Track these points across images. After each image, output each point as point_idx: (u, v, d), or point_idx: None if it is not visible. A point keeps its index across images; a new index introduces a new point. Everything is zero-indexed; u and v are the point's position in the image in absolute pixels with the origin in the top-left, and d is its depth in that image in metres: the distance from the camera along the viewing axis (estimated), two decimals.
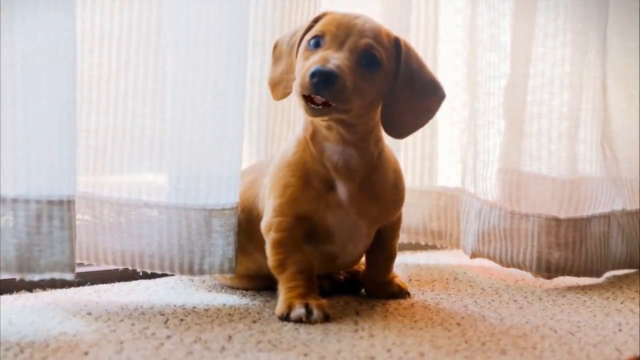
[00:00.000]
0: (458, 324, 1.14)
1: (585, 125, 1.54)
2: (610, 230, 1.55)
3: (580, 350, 1.02)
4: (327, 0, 1.54)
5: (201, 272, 1.24)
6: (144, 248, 1.23)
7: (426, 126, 1.34)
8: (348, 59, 1.10)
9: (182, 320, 1.11)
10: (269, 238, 1.19)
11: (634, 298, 1.37)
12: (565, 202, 1.51)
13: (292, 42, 1.20)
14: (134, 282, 1.36)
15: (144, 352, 0.95)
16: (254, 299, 1.27)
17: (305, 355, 0.95)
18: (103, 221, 1.23)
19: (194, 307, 1.20)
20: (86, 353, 0.94)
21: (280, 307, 1.14)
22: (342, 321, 1.13)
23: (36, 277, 1.06)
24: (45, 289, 1.28)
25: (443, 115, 1.66)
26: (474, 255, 1.56)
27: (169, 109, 1.23)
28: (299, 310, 1.11)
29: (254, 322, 1.12)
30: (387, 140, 1.23)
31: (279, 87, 1.21)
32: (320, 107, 1.08)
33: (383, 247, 1.29)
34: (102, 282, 1.35)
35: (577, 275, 1.50)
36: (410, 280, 1.46)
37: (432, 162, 1.67)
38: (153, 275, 1.34)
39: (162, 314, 1.14)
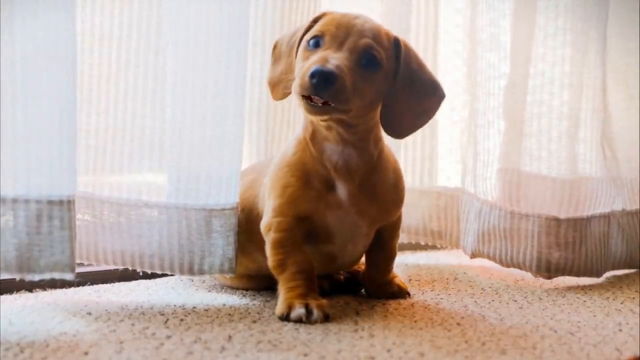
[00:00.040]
0: (458, 324, 1.14)
1: (585, 125, 1.54)
2: (610, 230, 1.55)
3: (580, 350, 1.02)
4: (327, 0, 1.54)
5: (201, 272, 1.24)
6: (144, 248, 1.23)
7: (426, 126, 1.34)
8: (347, 59, 1.10)
9: (182, 320, 1.11)
10: (268, 238, 1.19)
11: (634, 298, 1.37)
12: (565, 202, 1.51)
13: (292, 42, 1.20)
14: (134, 282, 1.36)
15: (144, 352, 0.95)
16: (254, 299, 1.27)
17: (305, 355, 0.95)
18: (103, 221, 1.23)
19: (194, 307, 1.20)
20: (86, 353, 0.94)
21: (280, 307, 1.14)
22: (342, 321, 1.13)
23: (36, 277, 1.06)
24: (45, 289, 1.28)
25: (443, 115, 1.66)
26: (474, 255, 1.56)
27: (169, 109, 1.23)
28: (299, 310, 1.11)
29: (254, 322, 1.12)
30: (387, 140, 1.23)
31: (278, 87, 1.21)
32: (320, 105, 1.08)
33: (383, 247, 1.29)
34: (102, 282, 1.35)
35: (577, 275, 1.50)
36: (410, 280, 1.46)
37: (432, 162, 1.67)
38: (153, 275, 1.34)
39: (162, 314, 1.14)
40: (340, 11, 1.18)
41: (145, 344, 0.99)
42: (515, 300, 1.32)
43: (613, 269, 1.60)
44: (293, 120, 1.50)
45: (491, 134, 1.53)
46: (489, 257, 1.54)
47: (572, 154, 1.52)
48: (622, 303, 1.33)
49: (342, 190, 1.18)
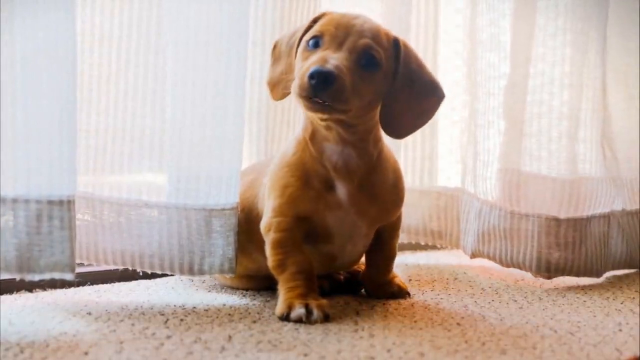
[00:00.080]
0: (458, 324, 1.14)
1: (585, 125, 1.54)
2: (610, 230, 1.55)
3: (580, 350, 1.02)
4: (327, 0, 1.54)
5: (201, 272, 1.24)
6: (144, 248, 1.23)
7: (426, 126, 1.34)
8: (347, 59, 1.10)
9: (182, 320, 1.11)
10: (268, 238, 1.19)
11: (634, 298, 1.37)
12: (565, 202, 1.51)
13: (291, 43, 1.20)
14: (134, 282, 1.36)
15: (144, 352, 0.95)
16: (254, 299, 1.27)
17: (305, 355, 0.95)
18: (103, 221, 1.23)
19: (194, 307, 1.20)
20: (86, 353, 0.94)
21: (280, 307, 1.14)
22: (342, 321, 1.13)
23: (36, 277, 1.06)
24: (45, 289, 1.28)
25: (443, 115, 1.66)
26: (474, 255, 1.56)
27: (169, 109, 1.23)
28: (299, 310, 1.11)
29: (254, 322, 1.12)
30: (387, 140, 1.23)
31: (278, 88, 1.21)
32: (320, 102, 1.08)
33: (383, 247, 1.29)
34: (102, 282, 1.35)
35: (577, 275, 1.50)
36: (410, 280, 1.46)
37: (432, 162, 1.67)
38: (153, 275, 1.34)
39: (162, 314, 1.14)
40: (340, 11, 1.18)
41: (145, 344, 0.99)
42: (515, 300, 1.32)
43: (613, 269, 1.60)
44: (293, 120, 1.50)
45: (491, 134, 1.53)
46: (489, 257, 1.54)
47: (572, 154, 1.52)
48: (622, 303, 1.33)
49: (341, 190, 1.18)
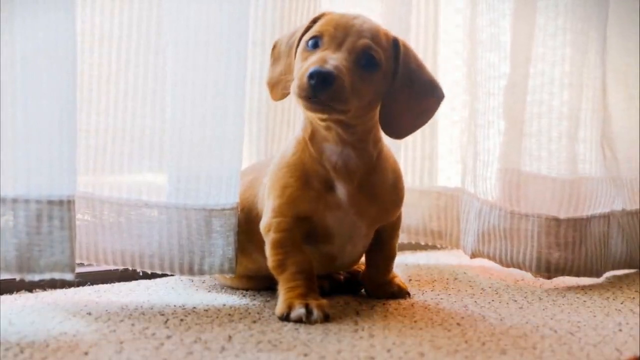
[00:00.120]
0: (458, 324, 1.14)
1: (585, 125, 1.54)
2: (610, 230, 1.55)
3: (580, 350, 1.02)
4: (327, 0, 1.54)
5: (201, 272, 1.24)
6: (144, 248, 1.23)
7: (426, 126, 1.34)
8: (346, 60, 1.10)
9: (182, 320, 1.11)
10: (268, 238, 1.19)
11: (634, 298, 1.37)
12: (565, 202, 1.51)
13: (291, 43, 1.20)
14: (134, 282, 1.36)
15: (144, 352, 0.95)
16: (254, 299, 1.27)
17: (305, 355, 0.95)
18: (103, 221, 1.23)
19: (194, 307, 1.20)
20: (86, 353, 0.94)
21: (280, 307, 1.14)
22: (342, 321, 1.13)
23: (36, 277, 1.06)
24: (45, 289, 1.28)
25: (443, 115, 1.66)
26: (474, 255, 1.56)
27: (169, 109, 1.23)
28: (299, 310, 1.11)
29: (254, 322, 1.12)
30: (387, 140, 1.23)
31: (277, 88, 1.21)
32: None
33: (383, 247, 1.29)
34: (102, 282, 1.35)
35: (577, 275, 1.50)
36: (410, 280, 1.46)
37: (432, 162, 1.67)
38: (153, 275, 1.34)
39: (162, 314, 1.14)
40: (339, 11, 1.18)
41: (145, 344, 0.99)
42: (515, 300, 1.32)
43: (613, 269, 1.60)
44: (293, 120, 1.50)
45: (491, 134, 1.53)
46: (489, 257, 1.54)
47: (572, 154, 1.52)
48: (622, 303, 1.33)
49: (341, 190, 1.18)
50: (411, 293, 1.33)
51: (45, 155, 1.06)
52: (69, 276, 1.07)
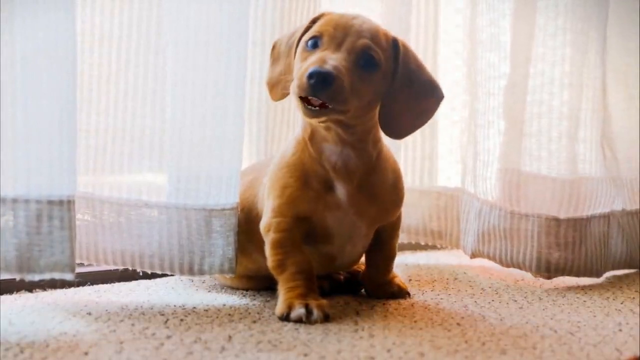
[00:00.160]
0: (458, 324, 1.14)
1: (585, 125, 1.54)
2: (610, 230, 1.55)
3: (580, 350, 1.02)
4: (327, 0, 1.54)
5: (201, 272, 1.24)
6: (144, 248, 1.23)
7: (426, 126, 1.34)
8: (345, 60, 1.10)
9: (182, 320, 1.11)
10: (268, 238, 1.19)
11: (634, 298, 1.37)
12: (565, 202, 1.51)
13: (290, 43, 1.20)
14: (134, 282, 1.36)
15: (144, 352, 0.95)
16: (254, 299, 1.27)
17: (305, 355, 0.95)
18: (103, 221, 1.23)
19: (194, 307, 1.20)
20: (86, 353, 0.94)
21: (280, 307, 1.14)
22: (342, 321, 1.13)
23: (36, 277, 1.06)
24: (45, 289, 1.28)
25: (443, 115, 1.66)
26: (474, 255, 1.56)
27: (169, 109, 1.23)
28: (299, 310, 1.11)
29: (254, 322, 1.12)
30: (387, 140, 1.23)
31: (277, 88, 1.21)
32: (317, 108, 1.08)
33: (383, 247, 1.29)
34: (102, 282, 1.35)
35: (577, 275, 1.50)
36: (410, 280, 1.46)
37: (432, 162, 1.67)
38: (153, 275, 1.34)
39: (162, 314, 1.14)
40: (339, 11, 1.18)
41: (145, 344, 0.99)
42: (515, 300, 1.32)
43: (613, 269, 1.60)
44: (293, 121, 1.50)
45: (491, 134, 1.53)
46: (489, 257, 1.54)
47: (572, 154, 1.52)
48: (622, 303, 1.33)
49: (341, 190, 1.18)
50: (411, 293, 1.33)
51: (45, 155, 1.06)
52: (69, 276, 1.07)
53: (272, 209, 1.18)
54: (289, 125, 1.50)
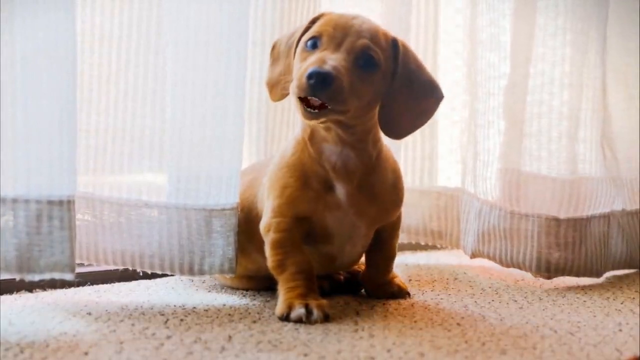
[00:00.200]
0: (458, 324, 1.14)
1: (585, 125, 1.54)
2: (610, 230, 1.55)
3: (580, 350, 1.02)
4: (327, 0, 1.54)
5: (201, 272, 1.24)
6: (144, 248, 1.23)
7: (426, 126, 1.34)
8: (345, 60, 1.10)
9: (182, 320, 1.11)
10: (268, 238, 1.19)
11: (634, 298, 1.37)
12: (565, 202, 1.51)
13: (290, 43, 1.20)
14: (134, 282, 1.36)
15: (144, 352, 0.95)
16: (254, 299, 1.27)
17: (305, 355, 0.95)
18: (103, 221, 1.23)
19: (194, 307, 1.20)
20: (86, 353, 0.94)
21: (280, 307, 1.14)
22: (342, 321, 1.13)
23: (36, 277, 1.06)
24: (45, 289, 1.28)
25: (443, 115, 1.66)
26: (474, 255, 1.56)
27: (169, 109, 1.23)
28: (299, 311, 1.11)
29: (254, 322, 1.12)
30: (387, 140, 1.23)
31: (276, 88, 1.21)
32: (316, 110, 1.08)
33: (382, 247, 1.29)
34: (102, 282, 1.35)
35: (577, 275, 1.50)
36: (410, 280, 1.46)
37: (432, 162, 1.67)
38: (153, 276, 1.34)
39: (162, 314, 1.14)
40: (339, 11, 1.18)
41: (145, 344, 0.99)
42: (515, 300, 1.32)
43: (613, 269, 1.60)
44: (293, 121, 1.50)
45: (491, 134, 1.53)
46: (489, 257, 1.54)
47: (572, 154, 1.52)
48: (622, 303, 1.33)
49: (340, 190, 1.18)
50: (411, 293, 1.33)
51: (45, 155, 1.06)
52: (69, 276, 1.07)
53: (272, 209, 1.18)
54: (289, 125, 1.50)
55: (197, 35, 1.21)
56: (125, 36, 1.24)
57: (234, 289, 1.34)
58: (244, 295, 1.30)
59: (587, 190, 1.53)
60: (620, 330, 1.14)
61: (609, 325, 1.16)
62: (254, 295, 1.30)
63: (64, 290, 1.29)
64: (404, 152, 1.64)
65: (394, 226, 1.29)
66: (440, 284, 1.45)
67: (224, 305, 1.22)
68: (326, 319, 1.12)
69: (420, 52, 1.58)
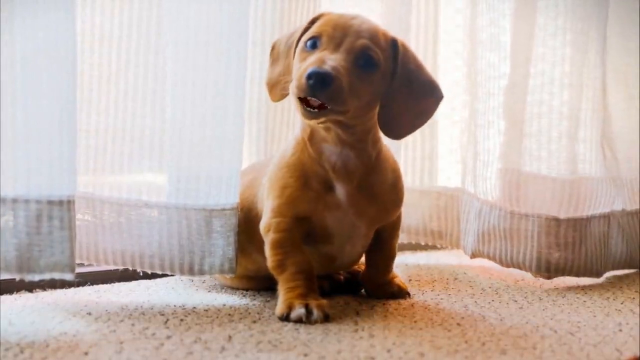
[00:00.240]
0: (458, 324, 1.14)
1: (585, 125, 1.54)
2: (610, 230, 1.55)
3: (580, 350, 1.02)
4: (327, 1, 1.54)
5: (201, 272, 1.24)
6: (144, 248, 1.23)
7: (426, 126, 1.34)
8: (344, 60, 1.10)
9: (182, 320, 1.11)
10: (268, 239, 1.19)
11: (634, 298, 1.37)
12: (565, 202, 1.51)
13: (290, 43, 1.20)
14: (134, 282, 1.36)
15: (144, 352, 0.95)
16: (254, 299, 1.27)
17: (305, 355, 0.95)
18: (103, 221, 1.23)
19: (194, 307, 1.20)
20: (86, 353, 0.94)
21: (280, 307, 1.14)
22: (342, 321, 1.13)
23: (36, 277, 1.06)
24: (45, 289, 1.28)
25: (443, 115, 1.66)
26: (474, 255, 1.56)
27: (169, 109, 1.23)
28: (299, 311, 1.11)
29: (254, 322, 1.12)
30: (387, 140, 1.23)
31: (276, 89, 1.21)
32: (316, 110, 1.08)
33: (382, 247, 1.29)
34: (102, 282, 1.35)
35: (577, 275, 1.50)
36: (410, 280, 1.46)
37: (432, 162, 1.67)
38: (153, 275, 1.34)
39: (162, 314, 1.14)
40: (338, 12, 1.18)
41: (145, 344, 0.99)
42: (515, 300, 1.32)
43: (613, 269, 1.60)
44: (293, 121, 1.50)
45: (491, 134, 1.53)
46: (489, 257, 1.54)
47: (572, 154, 1.52)
48: (622, 303, 1.33)
49: (340, 190, 1.18)
50: (411, 293, 1.33)
51: (45, 155, 1.06)
52: (69, 276, 1.07)
53: (272, 209, 1.18)
54: (289, 125, 1.50)
55: (197, 35, 1.21)
56: (125, 36, 1.24)
57: (234, 289, 1.34)
58: (244, 295, 1.30)
59: (587, 190, 1.53)
60: (620, 330, 1.14)
61: (609, 325, 1.16)
62: (254, 295, 1.30)
63: (64, 290, 1.29)
64: (404, 152, 1.64)
65: (394, 226, 1.29)
66: (440, 284, 1.45)
67: (224, 305, 1.22)
68: (326, 319, 1.12)
69: (420, 52, 1.58)
